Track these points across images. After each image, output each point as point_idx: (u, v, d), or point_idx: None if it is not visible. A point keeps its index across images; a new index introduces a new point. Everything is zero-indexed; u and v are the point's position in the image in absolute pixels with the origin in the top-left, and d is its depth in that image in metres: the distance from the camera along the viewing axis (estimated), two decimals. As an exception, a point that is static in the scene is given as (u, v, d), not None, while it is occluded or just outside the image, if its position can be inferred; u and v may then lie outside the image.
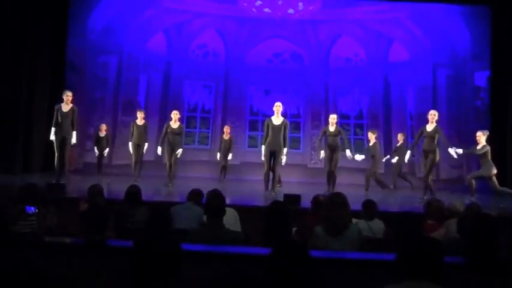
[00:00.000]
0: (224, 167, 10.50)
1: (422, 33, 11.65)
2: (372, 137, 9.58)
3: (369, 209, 4.47)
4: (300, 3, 11.93)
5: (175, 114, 8.77)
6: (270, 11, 11.95)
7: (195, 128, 12.36)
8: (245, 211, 4.82)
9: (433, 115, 7.96)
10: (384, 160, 10.37)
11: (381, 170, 10.57)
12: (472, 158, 8.49)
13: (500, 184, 8.15)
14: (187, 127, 11.37)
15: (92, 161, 10.59)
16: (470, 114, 10.88)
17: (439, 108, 10.82)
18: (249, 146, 12.13)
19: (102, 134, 10.44)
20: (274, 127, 7.92)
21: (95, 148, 10.45)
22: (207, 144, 12.35)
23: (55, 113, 7.90)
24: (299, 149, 12.22)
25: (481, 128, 8.39)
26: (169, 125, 8.75)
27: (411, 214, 4.25)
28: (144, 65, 11.98)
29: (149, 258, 1.98)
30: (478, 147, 7.96)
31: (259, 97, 12.48)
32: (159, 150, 8.82)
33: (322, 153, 8.61)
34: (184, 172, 10.25)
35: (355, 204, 4.01)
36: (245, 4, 11.94)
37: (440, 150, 8.03)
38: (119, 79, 11.78)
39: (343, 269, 2.75)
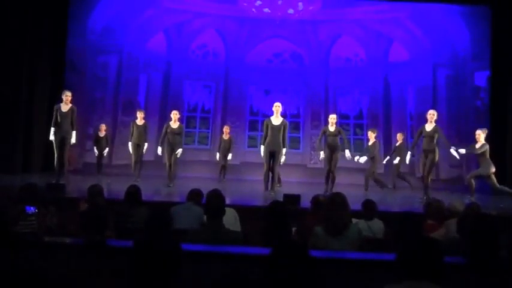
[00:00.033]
0: (224, 166, 10.50)
1: (422, 33, 11.65)
2: (371, 136, 9.59)
3: (369, 209, 4.48)
4: (300, 3, 11.93)
5: (175, 114, 8.76)
6: (269, 11, 11.95)
7: (195, 128, 12.36)
8: (245, 211, 4.82)
9: (432, 115, 7.95)
10: (384, 162, 10.37)
11: (381, 170, 10.58)
12: (471, 158, 8.48)
13: (500, 183, 8.15)
14: (187, 127, 11.37)
15: (92, 161, 10.59)
16: (470, 114, 10.88)
17: (439, 108, 10.83)
18: (248, 146, 12.13)
19: (102, 134, 10.44)
20: (274, 127, 7.92)
21: (95, 148, 10.45)
22: (206, 144, 12.35)
23: (54, 113, 7.90)
24: (299, 149, 12.22)
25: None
26: (169, 125, 8.75)
27: (411, 214, 4.24)
28: (144, 65, 11.98)
29: (149, 258, 1.98)
30: (477, 145, 7.96)
31: (259, 97, 12.48)
32: (159, 150, 8.83)
33: (322, 154, 8.61)
34: (184, 172, 10.25)
35: (355, 204, 4.01)
36: (245, 4, 11.94)
37: (439, 149, 8.03)
38: (119, 79, 11.78)
39: (343, 269, 2.76)
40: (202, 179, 9.55)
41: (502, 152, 9.65)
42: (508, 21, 10.12)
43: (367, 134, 10.09)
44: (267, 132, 7.98)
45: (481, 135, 7.93)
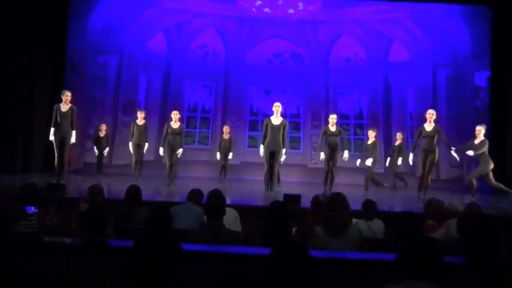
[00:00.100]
0: (224, 166, 10.50)
1: (422, 33, 11.65)
2: (371, 136, 9.60)
3: (369, 209, 4.48)
4: (300, 3, 11.93)
5: (175, 115, 8.76)
6: (270, 11, 11.95)
7: (195, 128, 12.36)
8: (245, 211, 4.81)
9: (431, 114, 7.92)
10: (387, 164, 10.37)
11: (381, 170, 10.59)
12: (471, 158, 8.45)
13: (500, 183, 8.15)
14: (187, 127, 11.36)
15: (92, 161, 10.60)
16: (470, 114, 10.88)
17: (439, 108, 10.83)
18: (249, 146, 12.13)
19: (102, 134, 10.45)
20: (274, 127, 7.92)
21: (95, 148, 10.47)
22: (207, 144, 12.35)
23: (54, 113, 7.88)
24: (299, 149, 12.22)
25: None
26: (169, 125, 8.74)
27: (411, 214, 4.23)
28: (144, 65, 11.98)
29: (149, 258, 1.98)
30: (477, 141, 7.94)
31: (259, 97, 12.49)
32: (161, 150, 8.80)
33: (322, 155, 8.59)
34: (184, 172, 10.25)
35: (355, 204, 4.01)
36: (245, 4, 11.94)
37: (439, 149, 8.02)
38: (119, 79, 11.78)
39: (343, 269, 2.75)
40: (203, 179, 9.55)
41: (502, 152, 9.64)
42: (508, 21, 10.11)
43: (367, 134, 10.10)
44: (266, 132, 7.99)
45: (481, 131, 7.93)
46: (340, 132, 8.63)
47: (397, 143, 10.22)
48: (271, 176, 8.00)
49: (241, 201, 7.15)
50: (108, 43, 11.57)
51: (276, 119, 7.98)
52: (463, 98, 11.18)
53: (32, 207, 3.84)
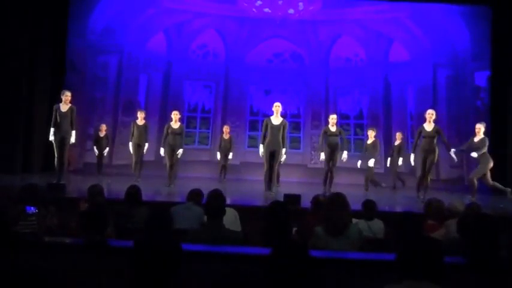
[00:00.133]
0: (224, 166, 10.50)
1: (422, 33, 11.65)
2: (371, 135, 9.60)
3: (369, 209, 4.48)
4: (300, 3, 11.93)
5: (175, 115, 8.76)
6: (270, 11, 11.95)
7: (195, 128, 12.37)
8: (245, 211, 4.81)
9: (430, 114, 7.91)
10: (388, 164, 10.36)
11: (381, 170, 10.59)
12: (471, 158, 8.43)
13: (502, 184, 8.15)
14: (187, 127, 11.36)
15: (92, 161, 10.60)
16: (470, 114, 10.88)
17: (439, 108, 10.84)
18: (249, 146, 12.13)
19: (102, 134, 10.45)
20: (274, 127, 7.92)
21: (95, 148, 10.47)
22: (207, 145, 12.36)
23: (54, 113, 7.87)
24: (299, 149, 12.23)
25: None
26: (169, 126, 8.74)
27: (411, 214, 4.24)
28: (144, 65, 11.98)
29: (149, 258, 1.98)
30: (476, 139, 7.94)
31: (259, 97, 12.49)
32: (162, 151, 8.78)
33: (322, 155, 8.57)
34: (184, 172, 10.26)
35: (355, 204, 4.01)
36: (245, 4, 11.94)
37: (439, 150, 8.02)
38: (119, 79, 11.78)
39: (343, 269, 2.75)
40: (203, 179, 9.56)
41: (502, 152, 9.64)
42: (508, 21, 10.11)
43: (367, 134, 10.10)
44: (266, 132, 7.99)
45: (481, 129, 7.93)
46: (340, 132, 8.63)
47: (396, 143, 10.23)
48: (270, 176, 8.00)
49: (241, 201, 7.15)
50: (108, 43, 11.57)
51: (276, 119, 7.98)
52: (463, 98, 11.18)
53: (32, 207, 3.84)
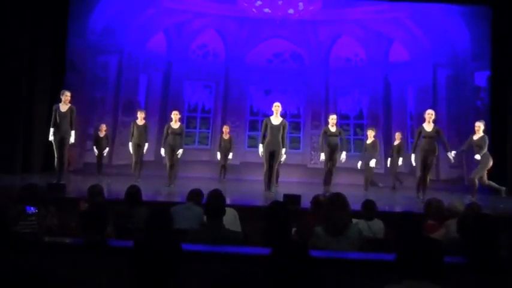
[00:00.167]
0: (224, 166, 10.50)
1: (422, 33, 11.65)
2: (370, 135, 9.59)
3: (369, 209, 4.48)
4: (300, 3, 11.93)
5: (175, 115, 8.76)
6: (270, 11, 11.95)
7: (195, 128, 12.36)
8: (245, 211, 4.82)
9: (430, 114, 7.89)
10: (388, 165, 10.36)
11: (381, 170, 10.58)
12: (471, 157, 8.42)
13: (501, 184, 8.15)
14: (187, 127, 11.36)
15: (92, 161, 10.60)
16: (470, 114, 10.87)
17: (439, 108, 10.85)
18: (249, 146, 12.13)
19: (102, 134, 10.45)
20: (273, 127, 7.92)
21: (95, 148, 10.46)
22: (207, 145, 12.36)
23: (53, 113, 7.87)
24: (299, 149, 12.23)
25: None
26: (169, 126, 8.74)
27: (411, 214, 4.23)
28: (144, 65, 11.98)
29: (149, 258, 1.98)
30: (476, 137, 7.93)
31: (259, 97, 12.49)
32: (163, 151, 8.77)
33: (323, 156, 8.56)
34: (184, 172, 10.25)
35: (355, 204, 4.01)
36: (245, 4, 11.94)
37: (439, 149, 8.01)
38: (119, 79, 11.78)
39: (343, 269, 2.75)
40: (203, 179, 9.55)
41: (502, 152, 9.64)
42: (508, 21, 10.11)
43: (366, 134, 10.09)
44: (265, 131, 7.99)
45: (480, 127, 7.92)
46: (340, 133, 8.63)
47: (396, 143, 10.23)
48: (270, 176, 8.00)
49: (241, 201, 7.15)
50: (108, 43, 11.57)
51: (276, 119, 7.98)
52: (463, 98, 11.18)
53: (32, 207, 3.84)
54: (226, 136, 10.44)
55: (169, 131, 8.67)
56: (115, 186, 7.72)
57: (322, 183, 8.60)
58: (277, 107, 7.99)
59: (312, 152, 11.93)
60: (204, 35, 12.36)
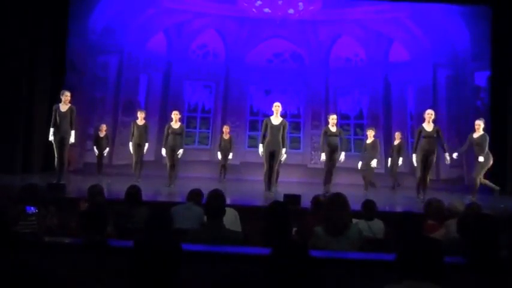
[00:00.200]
0: (224, 166, 10.50)
1: (422, 33, 11.65)
2: (370, 135, 9.58)
3: (369, 209, 4.48)
4: (300, 3, 11.93)
5: (175, 115, 8.76)
6: (270, 11, 11.95)
7: (195, 128, 12.36)
8: (245, 211, 4.81)
9: (430, 114, 7.89)
10: (389, 165, 10.35)
11: (381, 170, 10.58)
12: (471, 158, 8.42)
13: (501, 184, 8.15)
14: (187, 127, 11.34)
15: (92, 161, 10.60)
16: (470, 114, 10.87)
17: (439, 108, 10.85)
18: (249, 146, 12.13)
19: (102, 134, 10.45)
20: (273, 127, 7.93)
21: (95, 148, 10.46)
22: (207, 145, 12.35)
23: (53, 113, 7.88)
24: (299, 149, 12.22)
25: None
26: (170, 126, 8.74)
27: (411, 214, 4.24)
28: (144, 65, 11.98)
29: (149, 258, 1.98)
30: (476, 135, 7.92)
31: (259, 97, 12.49)
32: (164, 151, 8.76)
33: (323, 156, 8.55)
34: (184, 172, 10.25)
35: (355, 204, 4.01)
36: (245, 4, 11.94)
37: (439, 150, 8.00)
38: (119, 79, 11.78)
39: (343, 269, 2.75)
40: (203, 179, 9.55)
41: (503, 152, 9.64)
42: (508, 21, 10.12)
43: (366, 134, 10.09)
44: (265, 131, 7.99)
45: (480, 125, 7.92)
46: (340, 132, 8.63)
47: (396, 143, 10.21)
48: (270, 176, 8.00)
49: (241, 201, 7.15)
50: (108, 43, 11.57)
51: (276, 119, 7.99)
52: (463, 98, 11.18)
53: (32, 207, 3.84)
54: (226, 136, 10.45)
55: (169, 131, 8.67)
56: (115, 186, 7.72)
57: (322, 183, 8.59)
58: (277, 107, 7.99)
59: (312, 152, 11.93)
60: (204, 35, 12.36)
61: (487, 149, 7.83)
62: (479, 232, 2.80)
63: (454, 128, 11.09)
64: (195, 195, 4.81)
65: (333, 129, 8.51)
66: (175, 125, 8.72)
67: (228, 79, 12.38)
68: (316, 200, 4.58)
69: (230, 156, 10.47)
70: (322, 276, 2.38)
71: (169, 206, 4.64)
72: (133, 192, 4.56)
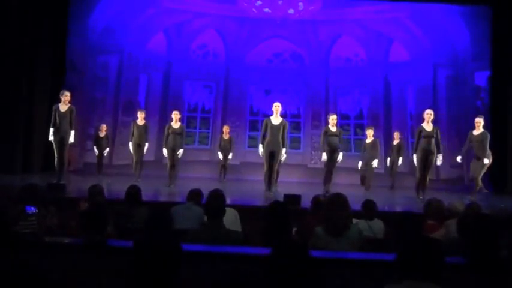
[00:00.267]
0: (224, 166, 10.50)
1: (422, 33, 11.65)
2: (369, 134, 9.58)
3: (369, 209, 4.47)
4: (300, 3, 11.93)
5: (176, 115, 8.76)
6: (270, 11, 11.95)
7: (195, 128, 12.36)
8: (245, 211, 4.81)
9: (429, 114, 7.90)
10: (388, 165, 10.34)
11: (381, 170, 10.57)
12: (470, 157, 8.41)
13: (500, 184, 8.15)
14: (187, 127, 11.32)
15: (92, 161, 10.60)
16: (470, 114, 10.85)
17: (439, 108, 10.85)
18: (249, 146, 12.13)
19: (102, 134, 10.45)
20: (273, 127, 7.92)
21: (95, 148, 10.46)
22: (207, 145, 12.35)
23: (53, 113, 7.88)
24: (299, 149, 12.22)
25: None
26: (170, 126, 8.74)
27: (411, 214, 4.23)
28: (144, 65, 11.98)
29: (149, 258, 1.98)
30: (476, 132, 7.91)
31: (259, 97, 12.48)
32: (165, 151, 8.76)
33: (324, 156, 8.54)
34: (184, 172, 10.25)
35: (355, 204, 4.01)
36: (245, 4, 11.94)
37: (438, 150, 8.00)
38: (119, 79, 11.78)
39: (343, 269, 2.75)
40: (203, 179, 9.55)
41: (503, 152, 9.64)
42: (508, 21, 10.12)
43: (365, 133, 10.08)
44: (265, 131, 7.99)
45: (481, 122, 7.91)
46: (340, 133, 8.63)
47: (395, 143, 10.20)
48: (270, 176, 8.00)
49: (241, 201, 7.14)
50: (109, 43, 11.57)
51: (276, 119, 7.98)
52: (463, 98, 11.19)
53: (32, 207, 3.84)
54: (226, 136, 10.45)
55: (169, 131, 8.67)
56: (115, 186, 7.72)
57: (322, 183, 8.59)
58: (277, 107, 7.99)
59: (312, 152, 11.93)
60: (204, 35, 12.36)
61: (487, 146, 7.80)
62: (479, 232, 2.80)
63: (454, 128, 11.09)
64: (195, 195, 4.81)
65: (333, 129, 8.51)
66: (176, 125, 8.73)
67: (228, 79, 12.38)
68: (316, 200, 4.58)
69: (230, 156, 10.47)
70: (322, 276, 2.38)
71: (169, 206, 4.64)
72: (134, 192, 4.56)
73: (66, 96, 7.84)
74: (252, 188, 9.08)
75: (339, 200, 3.51)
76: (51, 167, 8.57)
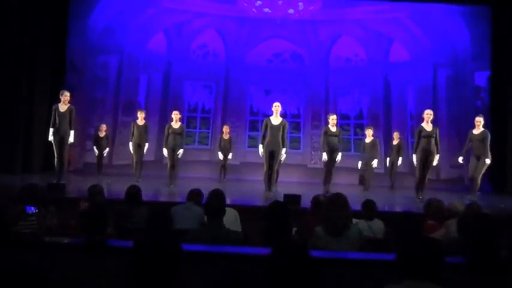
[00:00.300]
0: (224, 166, 10.49)
1: (422, 33, 11.65)
2: (369, 134, 9.57)
3: (369, 209, 4.48)
4: (300, 3, 11.93)
5: (176, 115, 8.76)
6: (270, 11, 11.96)
7: (195, 128, 12.36)
8: (245, 211, 4.82)
9: (429, 114, 7.90)
10: (388, 165, 10.34)
11: (381, 170, 10.58)
12: (470, 157, 8.41)
13: (500, 184, 8.15)
14: (187, 127, 11.31)
15: (92, 161, 10.60)
16: (470, 114, 10.85)
17: (439, 108, 10.85)
18: (249, 146, 12.12)
19: (102, 134, 10.45)
20: (273, 127, 7.92)
21: (95, 148, 10.46)
22: (207, 145, 12.35)
23: (53, 113, 7.87)
24: (299, 149, 12.22)
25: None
26: (170, 126, 8.74)
27: (411, 214, 4.24)
28: (144, 65, 11.98)
29: (149, 258, 1.98)
30: (476, 131, 7.90)
31: (259, 97, 12.48)
32: (165, 151, 8.76)
33: (325, 156, 8.54)
34: (184, 172, 10.25)
35: (355, 204, 4.01)
36: (245, 4, 11.94)
37: (438, 150, 7.99)
38: (119, 79, 11.78)
39: (343, 269, 2.75)
40: (203, 179, 9.56)
41: (503, 152, 9.64)
42: (508, 21, 10.12)
43: (365, 133, 10.07)
44: (265, 131, 7.99)
45: (481, 122, 7.91)
46: (339, 132, 8.63)
47: (395, 143, 10.20)
48: (270, 176, 8.00)
49: (241, 201, 7.14)
50: (109, 43, 11.57)
51: (276, 119, 7.98)
52: (463, 98, 11.19)
53: (32, 207, 3.84)
54: (226, 136, 10.44)
55: (170, 131, 8.67)
56: (115, 186, 7.72)
57: (322, 183, 8.59)
58: (277, 107, 7.98)
59: (312, 152, 11.93)
60: (204, 35, 12.36)
61: (488, 146, 7.79)
62: (479, 232, 2.80)
63: (454, 128, 11.09)
64: (195, 195, 4.81)
65: (333, 129, 8.51)
66: (176, 125, 8.73)
67: (228, 79, 12.38)
68: (316, 200, 4.58)
69: (230, 156, 10.47)
70: (322, 276, 2.38)
71: (169, 206, 4.64)
72: (134, 192, 4.56)
73: (66, 96, 7.83)
74: (252, 188, 9.08)
75: (339, 200, 3.51)
76: (51, 167, 8.57)
